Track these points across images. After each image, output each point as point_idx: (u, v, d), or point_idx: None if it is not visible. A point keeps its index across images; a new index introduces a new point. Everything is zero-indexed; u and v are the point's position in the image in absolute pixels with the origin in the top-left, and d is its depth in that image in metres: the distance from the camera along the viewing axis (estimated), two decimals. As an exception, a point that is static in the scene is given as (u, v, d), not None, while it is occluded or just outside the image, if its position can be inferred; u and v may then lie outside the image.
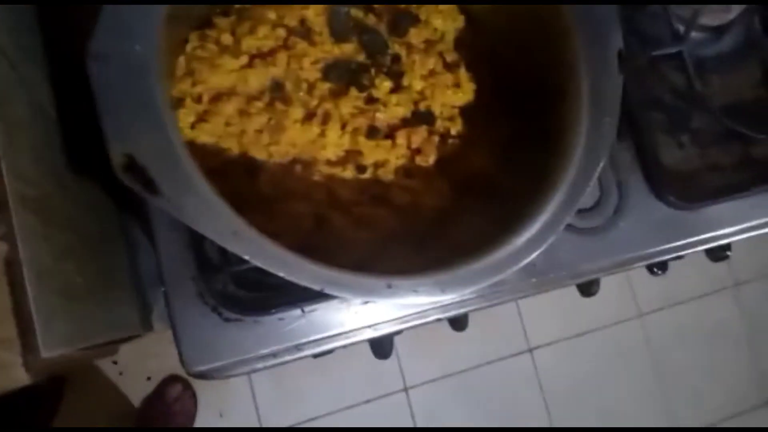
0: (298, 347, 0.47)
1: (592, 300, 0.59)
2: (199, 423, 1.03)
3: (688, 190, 0.53)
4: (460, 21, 0.51)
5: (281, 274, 0.34)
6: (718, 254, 0.58)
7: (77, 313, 0.53)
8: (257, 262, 0.33)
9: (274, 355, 0.47)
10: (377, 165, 0.45)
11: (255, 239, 0.34)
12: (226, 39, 0.44)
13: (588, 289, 0.57)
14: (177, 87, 0.42)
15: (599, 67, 0.41)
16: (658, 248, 0.53)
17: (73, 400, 0.89)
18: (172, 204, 0.32)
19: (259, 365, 0.47)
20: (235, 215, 0.34)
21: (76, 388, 0.92)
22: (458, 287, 0.39)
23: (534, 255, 0.40)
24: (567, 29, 0.42)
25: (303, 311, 0.47)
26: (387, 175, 0.45)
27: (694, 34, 0.55)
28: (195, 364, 0.45)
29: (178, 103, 0.42)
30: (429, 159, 0.46)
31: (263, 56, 0.44)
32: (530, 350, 1.24)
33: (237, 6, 0.46)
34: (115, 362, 0.99)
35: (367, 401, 1.14)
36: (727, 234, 0.55)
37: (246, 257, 0.33)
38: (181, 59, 0.42)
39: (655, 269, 0.57)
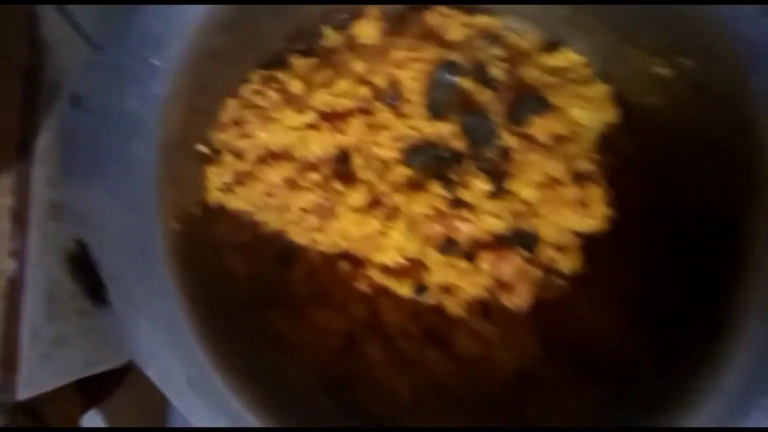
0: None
1: None
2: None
3: None
4: (610, 114, 0.37)
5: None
6: None
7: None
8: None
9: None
10: (445, 289, 0.33)
11: (223, 395, 0.24)
12: (296, 87, 0.34)
13: None
14: (216, 137, 0.33)
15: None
16: None
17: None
18: (118, 322, 0.23)
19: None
20: (205, 355, 0.24)
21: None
22: None
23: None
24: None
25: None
26: (455, 306, 0.33)
27: None
28: None
29: (213, 157, 0.33)
30: (519, 300, 0.33)
31: (334, 118, 0.34)
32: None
33: (326, 45, 0.37)
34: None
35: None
36: None
37: (195, 423, 0.23)
38: (233, 103, 0.34)
39: None
